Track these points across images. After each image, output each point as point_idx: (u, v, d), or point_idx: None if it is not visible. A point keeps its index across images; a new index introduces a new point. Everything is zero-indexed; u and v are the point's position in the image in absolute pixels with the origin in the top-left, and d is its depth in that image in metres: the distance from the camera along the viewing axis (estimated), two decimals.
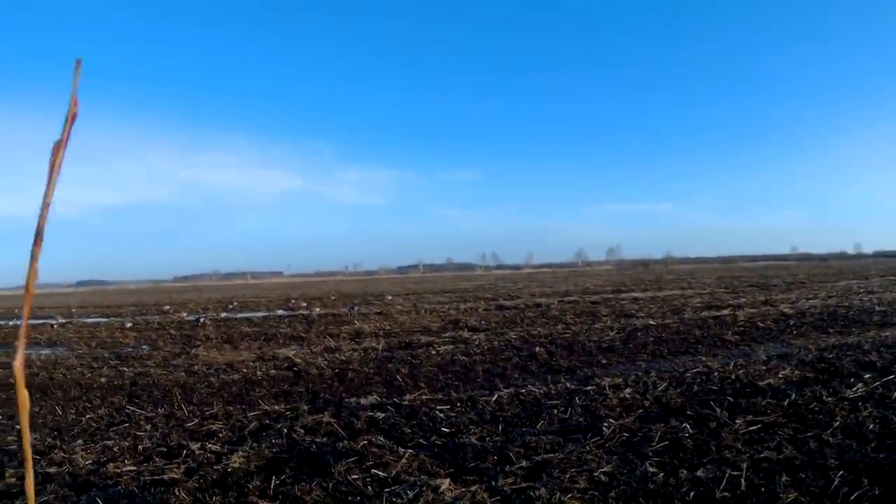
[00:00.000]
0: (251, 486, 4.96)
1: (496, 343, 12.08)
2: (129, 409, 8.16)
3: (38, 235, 0.58)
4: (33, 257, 0.58)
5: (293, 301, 32.16)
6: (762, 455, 4.74)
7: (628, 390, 7.10)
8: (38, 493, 5.16)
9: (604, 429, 5.48)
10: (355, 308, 23.33)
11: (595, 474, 4.43)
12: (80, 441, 6.73)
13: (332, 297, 34.86)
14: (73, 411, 8.28)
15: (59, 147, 0.59)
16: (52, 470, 5.75)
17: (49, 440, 6.85)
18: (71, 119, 0.57)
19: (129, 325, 21.65)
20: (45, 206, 0.57)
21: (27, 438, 0.50)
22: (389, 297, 31.66)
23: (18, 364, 0.56)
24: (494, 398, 7.10)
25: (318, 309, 24.29)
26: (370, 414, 6.75)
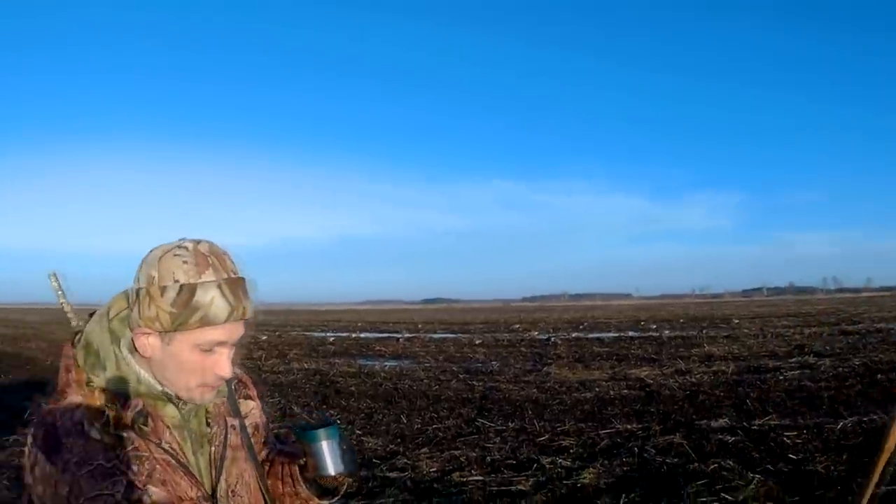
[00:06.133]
0: (599, 502, 5.07)
1: (840, 369, 11.82)
2: (478, 421, 8.43)
3: None
4: None
5: (643, 323, 32.62)
6: None
7: None
8: (377, 495, 5.57)
9: None
10: (704, 331, 23.05)
11: None
12: (424, 449, 7.06)
13: (681, 320, 34.42)
14: (419, 421, 8.70)
15: None
16: (394, 475, 6.11)
17: (392, 447, 7.27)
18: None
19: (478, 341, 22.16)
20: None
21: None
22: (736, 321, 30.44)
23: None
24: (839, 426, 7.11)
25: (667, 331, 24.54)
26: (720, 437, 6.87)
